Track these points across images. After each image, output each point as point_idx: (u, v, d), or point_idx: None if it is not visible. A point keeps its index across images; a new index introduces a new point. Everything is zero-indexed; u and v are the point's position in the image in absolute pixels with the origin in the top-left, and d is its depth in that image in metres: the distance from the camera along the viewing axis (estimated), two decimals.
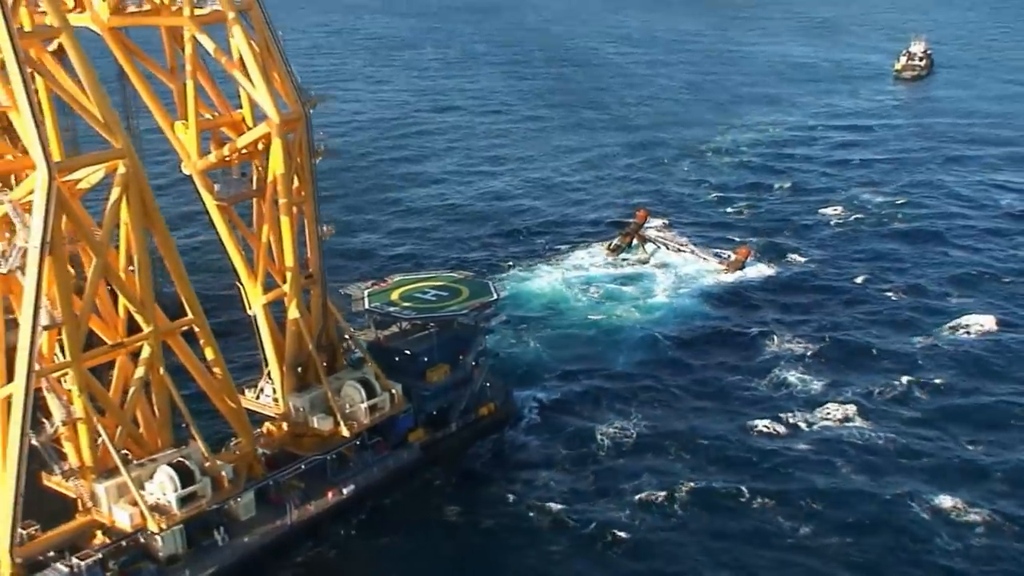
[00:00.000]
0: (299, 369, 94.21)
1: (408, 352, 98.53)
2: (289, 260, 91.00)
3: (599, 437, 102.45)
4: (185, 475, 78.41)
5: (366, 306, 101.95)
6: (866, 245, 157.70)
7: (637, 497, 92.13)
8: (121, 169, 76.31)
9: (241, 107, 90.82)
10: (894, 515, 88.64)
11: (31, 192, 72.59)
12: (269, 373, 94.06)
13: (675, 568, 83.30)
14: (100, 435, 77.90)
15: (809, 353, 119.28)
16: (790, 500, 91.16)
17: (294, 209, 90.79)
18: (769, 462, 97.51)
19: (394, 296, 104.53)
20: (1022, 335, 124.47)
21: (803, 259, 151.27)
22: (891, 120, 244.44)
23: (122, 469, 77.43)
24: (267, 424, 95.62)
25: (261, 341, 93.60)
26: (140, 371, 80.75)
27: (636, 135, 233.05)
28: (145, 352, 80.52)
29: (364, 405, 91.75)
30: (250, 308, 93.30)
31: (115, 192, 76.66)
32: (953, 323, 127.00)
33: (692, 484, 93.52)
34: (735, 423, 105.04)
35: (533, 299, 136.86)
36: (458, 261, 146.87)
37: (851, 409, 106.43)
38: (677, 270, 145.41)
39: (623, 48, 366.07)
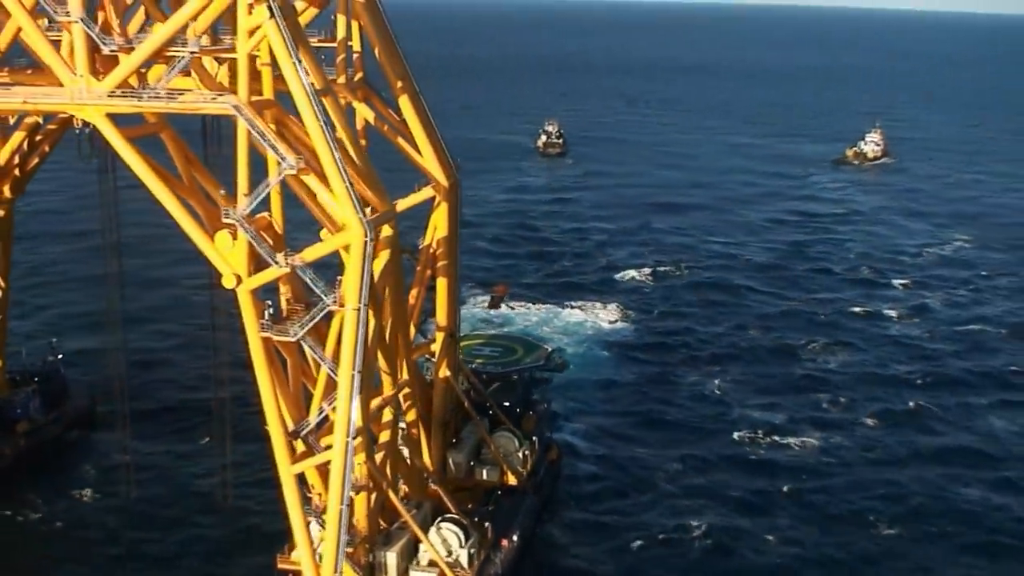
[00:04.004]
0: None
1: (506, 404, 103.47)
2: (443, 319, 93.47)
3: (636, 468, 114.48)
4: (465, 530, 79.36)
5: None
6: (676, 284, 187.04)
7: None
8: (387, 231, 77.27)
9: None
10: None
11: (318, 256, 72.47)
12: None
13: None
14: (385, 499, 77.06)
15: (719, 372, 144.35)
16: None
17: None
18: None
19: None
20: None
21: (639, 303, 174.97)
22: (572, 183, 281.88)
23: (419, 533, 77.11)
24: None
25: None
26: (386, 433, 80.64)
27: None
28: (387, 415, 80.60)
29: (520, 453, 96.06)
30: None
31: (385, 254, 77.11)
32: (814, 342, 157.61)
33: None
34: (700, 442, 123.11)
35: None
36: None
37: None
38: (554, 326, 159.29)
39: None
